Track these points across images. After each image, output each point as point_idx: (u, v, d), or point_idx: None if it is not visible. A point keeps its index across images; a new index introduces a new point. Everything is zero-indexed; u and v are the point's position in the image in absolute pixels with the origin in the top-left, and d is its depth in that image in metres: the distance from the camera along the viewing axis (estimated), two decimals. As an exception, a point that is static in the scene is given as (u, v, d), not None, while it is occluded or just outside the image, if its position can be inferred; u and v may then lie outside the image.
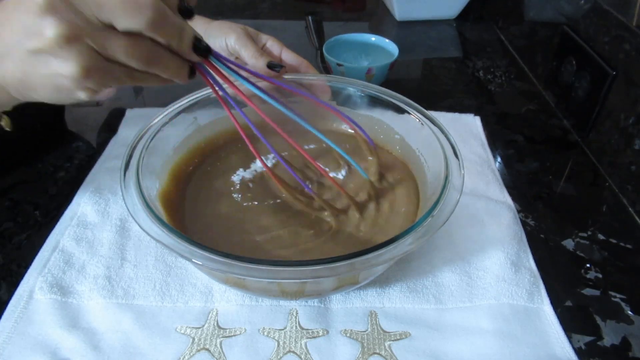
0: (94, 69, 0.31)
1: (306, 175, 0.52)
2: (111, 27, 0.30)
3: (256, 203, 0.49)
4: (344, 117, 0.48)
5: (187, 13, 0.34)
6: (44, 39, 0.29)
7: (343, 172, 0.53)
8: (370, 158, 0.52)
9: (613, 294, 0.48)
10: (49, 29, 0.29)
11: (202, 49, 0.35)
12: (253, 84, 0.41)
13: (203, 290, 0.46)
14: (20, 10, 0.30)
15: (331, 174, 0.52)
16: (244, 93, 0.40)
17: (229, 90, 0.41)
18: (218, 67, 0.38)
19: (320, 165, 0.47)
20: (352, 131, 0.53)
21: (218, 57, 0.38)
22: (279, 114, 0.42)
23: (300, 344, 0.42)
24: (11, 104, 0.38)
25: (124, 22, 0.30)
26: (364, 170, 0.48)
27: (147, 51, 0.32)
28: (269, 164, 0.52)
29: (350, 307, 0.46)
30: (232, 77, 0.39)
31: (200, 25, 0.59)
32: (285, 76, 0.55)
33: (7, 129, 0.49)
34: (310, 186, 0.49)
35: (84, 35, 0.30)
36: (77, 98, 0.33)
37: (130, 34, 0.31)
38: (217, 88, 0.40)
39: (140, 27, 0.31)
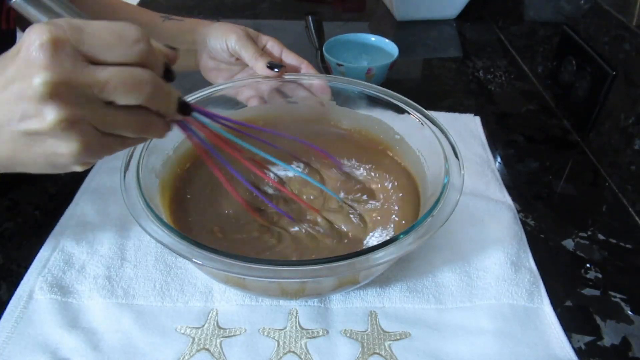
0: (94, 145, 0.31)
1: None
2: (109, 103, 0.30)
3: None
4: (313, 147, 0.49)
5: (170, 77, 0.34)
6: (43, 123, 0.29)
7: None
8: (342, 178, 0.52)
9: (613, 294, 0.48)
10: (50, 114, 0.28)
11: (185, 109, 0.35)
12: (232, 127, 0.41)
13: (203, 290, 0.46)
14: (12, 92, 0.29)
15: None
16: (222, 139, 0.41)
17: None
18: (197, 120, 0.38)
19: (304, 200, 0.49)
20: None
21: (196, 109, 0.38)
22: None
23: (300, 344, 0.42)
24: None
25: (125, 99, 0.30)
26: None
27: (143, 120, 0.32)
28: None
29: (350, 307, 0.46)
30: (210, 126, 0.40)
31: (201, 27, 0.59)
32: (286, 76, 0.55)
33: None
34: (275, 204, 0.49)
35: (86, 116, 0.30)
36: (71, 171, 0.33)
37: (127, 107, 0.31)
38: (194, 137, 0.39)
39: (141, 101, 0.31)
